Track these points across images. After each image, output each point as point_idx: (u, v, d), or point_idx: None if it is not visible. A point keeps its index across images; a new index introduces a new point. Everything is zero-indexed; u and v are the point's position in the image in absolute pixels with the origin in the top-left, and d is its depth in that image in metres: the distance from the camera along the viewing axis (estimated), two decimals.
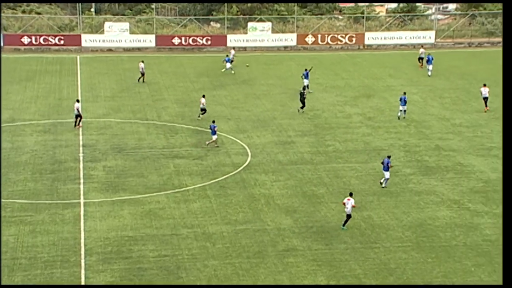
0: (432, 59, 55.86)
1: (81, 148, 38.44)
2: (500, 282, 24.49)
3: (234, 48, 64.52)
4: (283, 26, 71.83)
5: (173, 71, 56.67)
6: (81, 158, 37.01)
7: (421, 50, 59.97)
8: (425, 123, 43.22)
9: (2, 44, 64.23)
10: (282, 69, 59.81)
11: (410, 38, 67.93)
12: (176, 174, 35.23)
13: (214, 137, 38.90)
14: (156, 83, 54.12)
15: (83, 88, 51.68)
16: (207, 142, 39.24)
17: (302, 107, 45.55)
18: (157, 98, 49.80)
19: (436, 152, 37.91)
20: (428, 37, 67.72)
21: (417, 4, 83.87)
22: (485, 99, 46.02)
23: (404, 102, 43.54)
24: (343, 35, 68.82)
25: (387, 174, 32.89)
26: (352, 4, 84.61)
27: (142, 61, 55.07)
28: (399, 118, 43.99)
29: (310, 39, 68.59)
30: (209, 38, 68.14)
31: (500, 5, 76.50)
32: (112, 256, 26.48)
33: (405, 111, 43.91)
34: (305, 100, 45.57)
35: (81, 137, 40.29)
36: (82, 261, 26.01)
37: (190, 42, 67.60)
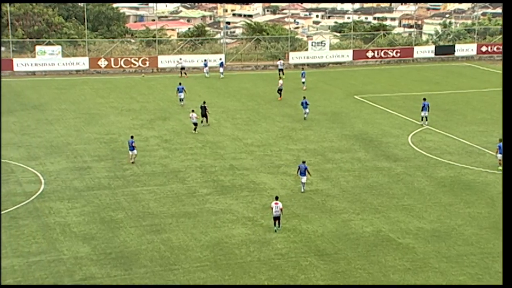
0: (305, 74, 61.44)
1: None
2: None
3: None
4: (74, 50, 70.30)
5: None
6: None
7: (279, 61, 66.40)
8: (219, 144, 44.64)
9: None
10: (75, 94, 58.38)
11: (202, 61, 69.87)
12: None
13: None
14: None
15: None
16: None
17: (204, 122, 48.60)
18: None
19: (230, 171, 39.30)
20: (219, 59, 70.06)
21: (207, 28, 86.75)
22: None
23: (306, 105, 49.69)
24: (136, 59, 68.96)
25: (304, 179, 35.47)
26: (144, 28, 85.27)
27: None
28: (305, 119, 50.05)
29: (103, 62, 67.76)
30: None
31: (281, 31, 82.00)
32: None
33: (307, 113, 50.02)
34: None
35: None
36: None
37: None
